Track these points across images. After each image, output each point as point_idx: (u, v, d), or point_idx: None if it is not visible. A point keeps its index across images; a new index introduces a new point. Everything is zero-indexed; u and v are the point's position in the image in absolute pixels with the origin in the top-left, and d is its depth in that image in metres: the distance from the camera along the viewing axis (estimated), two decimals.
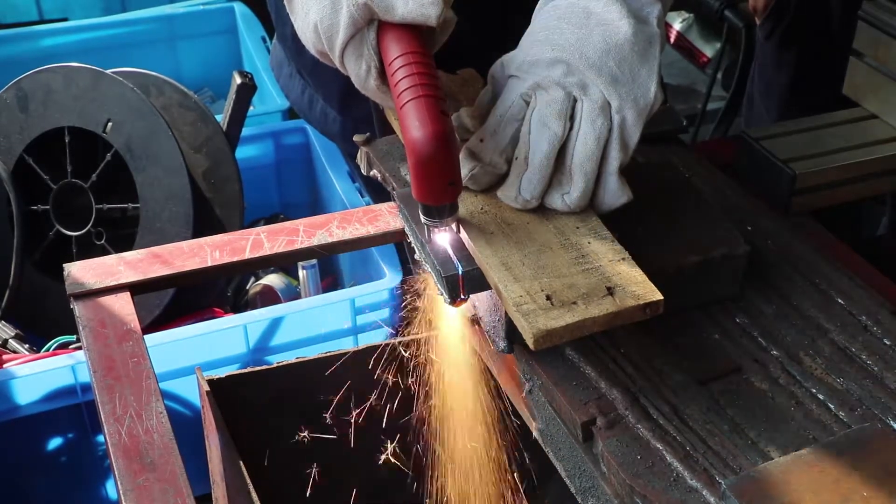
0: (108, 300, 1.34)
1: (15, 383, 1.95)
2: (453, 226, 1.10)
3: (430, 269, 1.13)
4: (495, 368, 1.27)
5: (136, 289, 1.37)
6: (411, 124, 1.02)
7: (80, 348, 1.97)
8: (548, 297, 1.03)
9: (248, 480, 1.35)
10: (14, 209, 2.27)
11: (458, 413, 1.39)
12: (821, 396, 1.08)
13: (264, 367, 1.58)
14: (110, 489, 2.17)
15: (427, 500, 1.55)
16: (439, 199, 1.06)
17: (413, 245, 1.17)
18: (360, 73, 1.12)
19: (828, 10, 2.47)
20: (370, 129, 1.83)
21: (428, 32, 1.09)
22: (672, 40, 3.64)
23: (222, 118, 2.37)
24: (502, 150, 1.12)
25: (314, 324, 2.05)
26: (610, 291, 1.04)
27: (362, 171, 1.38)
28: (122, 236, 2.32)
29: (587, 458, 1.06)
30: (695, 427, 1.04)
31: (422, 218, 1.09)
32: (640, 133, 1.12)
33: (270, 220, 2.65)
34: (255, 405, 1.55)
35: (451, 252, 1.10)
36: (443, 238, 1.10)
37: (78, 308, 1.33)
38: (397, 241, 1.53)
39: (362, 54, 1.10)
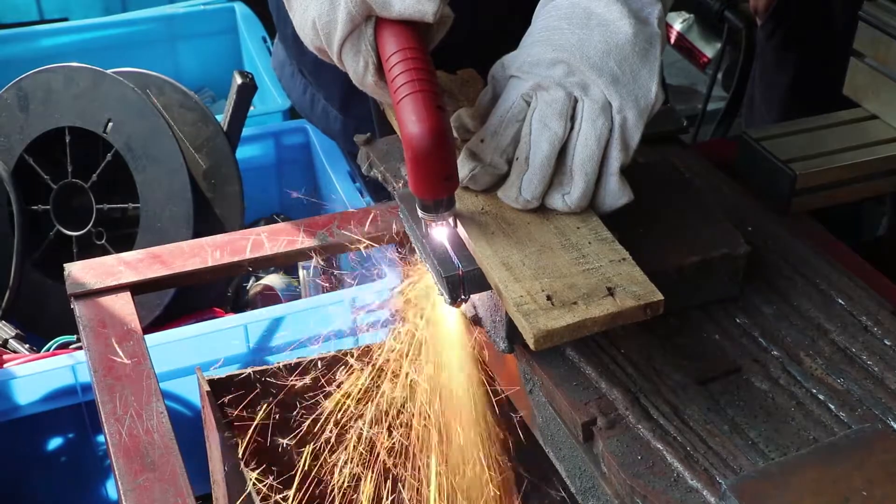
0: (109, 300, 1.34)
1: (15, 383, 1.95)
2: (450, 220, 1.10)
3: (430, 270, 1.13)
4: (495, 368, 1.27)
5: (137, 289, 1.37)
6: (408, 119, 1.03)
7: (80, 348, 1.97)
8: (548, 298, 1.03)
9: (248, 480, 1.35)
10: (14, 209, 2.27)
11: (459, 411, 1.39)
12: (821, 397, 1.08)
13: (265, 367, 1.58)
14: (111, 489, 2.17)
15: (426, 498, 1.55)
16: (436, 194, 1.07)
17: (413, 245, 1.17)
18: (357, 69, 1.13)
19: (829, 10, 2.47)
20: (371, 128, 1.83)
21: (425, 29, 1.10)
22: (672, 41, 3.64)
23: (223, 118, 2.37)
24: (503, 150, 1.12)
25: (314, 324, 2.05)
26: (610, 292, 1.04)
27: (363, 171, 1.38)
28: (122, 236, 2.32)
29: (588, 458, 1.06)
30: (695, 427, 1.04)
31: (419, 212, 1.10)
32: (642, 133, 1.12)
33: (271, 220, 2.65)
34: (256, 405, 1.55)
35: (451, 252, 1.10)
36: (440, 233, 1.11)
37: (78, 308, 1.33)
38: (398, 242, 1.53)
39: (360, 50, 1.11)
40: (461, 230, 1.11)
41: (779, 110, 2.63)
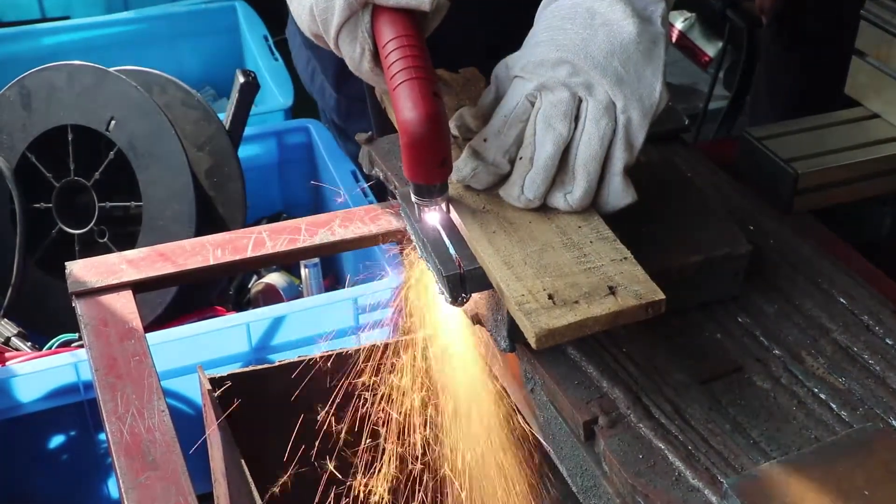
0: (110, 299, 1.34)
1: (17, 381, 1.95)
2: (443, 206, 1.11)
3: (431, 268, 1.13)
4: (497, 367, 1.27)
5: (139, 287, 1.37)
6: (404, 105, 1.04)
7: (82, 346, 1.97)
8: (550, 297, 1.03)
9: (250, 479, 1.35)
10: (17, 207, 2.28)
11: (461, 411, 1.39)
12: (823, 396, 1.08)
13: (266, 365, 1.58)
14: (112, 487, 2.18)
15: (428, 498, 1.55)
16: (430, 179, 1.08)
17: (415, 244, 1.17)
18: (354, 55, 1.14)
19: (836, 11, 2.47)
20: (363, 108, 1.84)
21: (421, 17, 1.11)
22: (674, 39, 3.64)
23: (225, 117, 2.37)
24: (506, 150, 1.12)
25: (316, 323, 2.05)
26: (612, 291, 1.04)
27: (364, 170, 1.38)
28: (124, 234, 2.33)
29: (589, 457, 1.06)
30: (697, 426, 1.04)
31: (413, 197, 1.11)
32: (646, 133, 1.12)
33: (273, 218, 2.65)
34: (257, 404, 1.55)
35: (452, 251, 1.10)
36: (433, 217, 1.11)
37: (80, 307, 1.33)
38: (399, 241, 1.53)
39: (357, 37, 1.12)
40: (459, 225, 1.11)
41: (784, 110, 2.63)
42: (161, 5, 3.31)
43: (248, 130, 2.45)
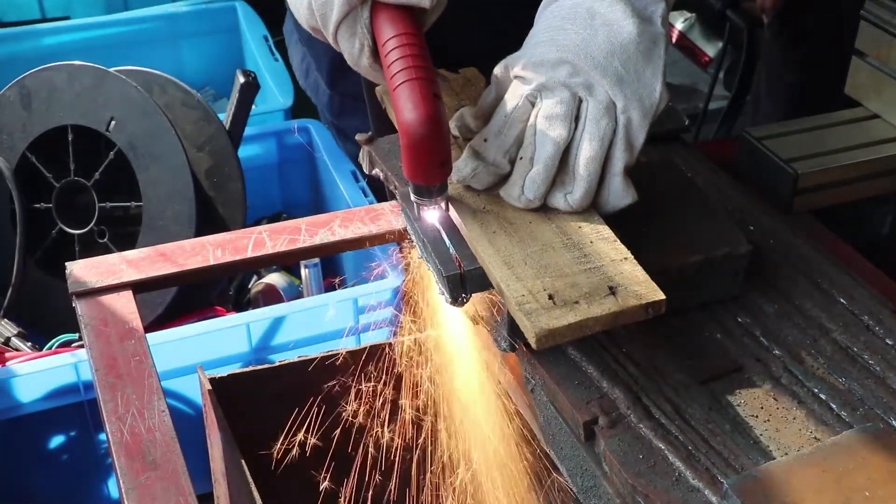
0: (110, 299, 1.34)
1: (17, 381, 1.95)
2: (443, 205, 1.11)
3: (431, 268, 1.13)
4: (497, 367, 1.27)
5: (139, 287, 1.37)
6: (404, 106, 1.04)
7: (82, 346, 1.97)
8: (550, 297, 1.03)
9: (250, 479, 1.35)
10: (17, 207, 2.28)
11: (462, 410, 1.39)
12: (823, 396, 1.08)
13: (266, 365, 1.58)
14: (112, 487, 2.18)
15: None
16: (430, 180, 1.09)
17: (415, 244, 1.17)
18: (353, 51, 1.14)
19: (837, 10, 2.47)
20: (356, 105, 1.84)
21: (420, 13, 1.11)
22: (674, 40, 3.64)
23: (225, 117, 2.37)
24: (506, 150, 1.12)
25: (316, 323, 2.05)
26: (612, 291, 1.04)
27: (364, 170, 1.38)
28: (124, 235, 2.33)
29: (589, 457, 1.06)
30: (697, 426, 1.04)
31: (412, 197, 1.11)
32: (646, 133, 1.12)
33: (273, 219, 2.65)
34: (257, 404, 1.55)
35: (452, 251, 1.10)
36: (433, 217, 1.12)
37: (80, 307, 1.33)
38: (399, 240, 1.53)
39: (356, 33, 1.12)
40: (459, 225, 1.12)
41: (785, 110, 2.63)
42: (161, 5, 3.31)
43: (248, 130, 2.45)
